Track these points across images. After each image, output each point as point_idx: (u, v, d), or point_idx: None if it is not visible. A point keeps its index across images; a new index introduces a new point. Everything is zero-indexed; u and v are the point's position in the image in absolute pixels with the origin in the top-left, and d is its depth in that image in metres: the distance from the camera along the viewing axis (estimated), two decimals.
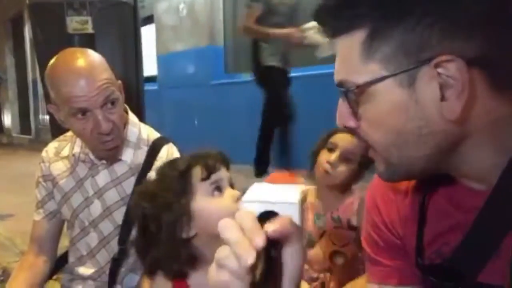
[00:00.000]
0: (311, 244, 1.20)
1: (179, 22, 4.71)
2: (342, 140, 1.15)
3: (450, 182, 0.56)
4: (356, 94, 0.51)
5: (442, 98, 0.47)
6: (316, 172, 1.20)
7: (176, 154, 1.09)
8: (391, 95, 0.49)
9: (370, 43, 0.49)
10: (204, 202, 0.78)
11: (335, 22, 0.52)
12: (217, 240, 0.40)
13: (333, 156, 1.15)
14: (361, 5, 0.49)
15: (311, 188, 1.23)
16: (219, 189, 0.79)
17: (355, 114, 0.52)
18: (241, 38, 4.32)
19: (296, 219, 0.41)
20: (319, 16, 0.54)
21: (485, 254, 0.51)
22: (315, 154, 1.20)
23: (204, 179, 0.78)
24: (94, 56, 0.99)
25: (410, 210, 0.60)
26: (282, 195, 0.43)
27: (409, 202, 0.60)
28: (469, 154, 0.51)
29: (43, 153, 1.14)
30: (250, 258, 0.36)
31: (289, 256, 0.40)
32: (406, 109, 0.49)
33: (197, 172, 0.79)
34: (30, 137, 8.76)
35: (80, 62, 0.94)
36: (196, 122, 4.63)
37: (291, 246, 0.40)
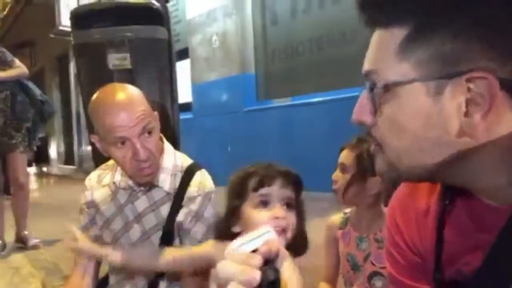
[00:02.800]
0: (356, 268, 1.19)
1: (212, 53, 4.90)
2: (341, 157, 1.17)
3: (469, 198, 0.54)
4: (381, 90, 0.50)
5: (466, 114, 0.46)
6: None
7: (208, 180, 1.14)
8: (416, 99, 0.48)
9: (407, 44, 0.48)
10: (249, 211, 0.85)
11: (378, 14, 0.51)
12: None
13: (334, 173, 1.17)
14: (407, 3, 0.49)
15: (352, 211, 1.23)
16: (265, 203, 0.83)
17: (375, 111, 0.52)
18: (272, 65, 4.44)
19: (276, 241, 0.45)
20: (365, 4, 0.53)
21: (508, 275, 0.50)
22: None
23: (254, 190, 0.84)
24: (132, 90, 1.07)
25: (430, 227, 0.59)
26: (254, 233, 0.46)
27: (429, 220, 0.60)
28: (484, 170, 0.49)
29: (86, 181, 1.22)
30: (257, 274, 0.39)
31: (286, 271, 0.43)
32: (428, 117, 0.48)
33: (252, 182, 0.85)
34: (74, 167, 9.18)
35: (121, 96, 1.03)
36: (229, 148, 4.72)
37: (283, 262, 0.43)
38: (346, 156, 1.15)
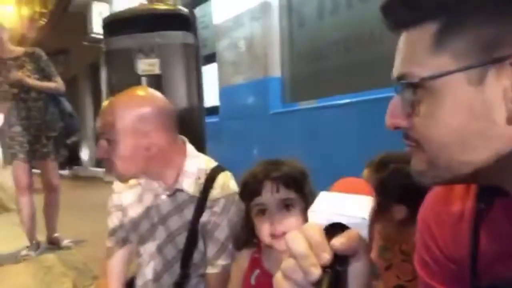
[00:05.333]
0: (375, 276, 1.16)
1: (239, 57, 4.93)
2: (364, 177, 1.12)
3: (507, 199, 0.51)
4: (417, 89, 0.48)
5: None
6: None
7: (232, 182, 1.15)
8: (457, 91, 0.46)
9: (442, 35, 0.47)
10: (254, 219, 0.86)
11: (406, 14, 0.50)
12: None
13: None
14: None
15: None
16: (262, 210, 0.83)
17: (411, 113, 0.49)
18: (298, 68, 4.42)
19: (365, 233, 0.40)
20: (390, 6, 0.51)
21: None
22: None
23: (249, 201, 0.85)
24: (147, 91, 1.14)
25: (464, 233, 0.57)
26: (350, 206, 0.41)
27: (464, 225, 0.57)
28: None
29: (114, 184, 1.25)
30: (315, 273, 0.36)
31: (355, 272, 0.39)
32: (471, 108, 0.45)
33: (245, 193, 0.88)
34: (104, 169, 9.43)
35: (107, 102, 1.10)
36: (255, 151, 4.73)
37: (357, 261, 0.39)
38: (369, 178, 1.07)
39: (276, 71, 4.63)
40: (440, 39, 0.47)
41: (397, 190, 1.01)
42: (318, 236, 0.38)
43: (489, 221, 0.54)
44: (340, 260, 0.39)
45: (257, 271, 0.94)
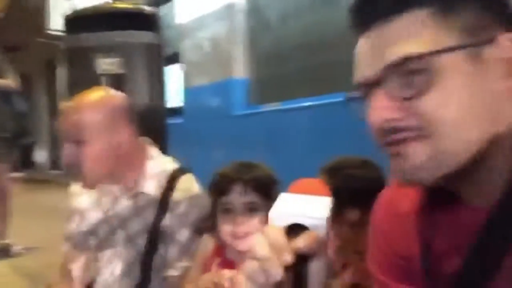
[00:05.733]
0: (333, 274, 1.19)
1: (203, 57, 4.90)
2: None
3: (452, 202, 0.55)
4: (417, 69, 0.48)
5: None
6: None
7: (194, 184, 1.14)
8: (458, 68, 0.48)
9: (441, 14, 0.49)
10: (218, 217, 0.86)
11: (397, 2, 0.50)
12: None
13: None
14: None
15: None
16: (227, 210, 0.84)
17: (408, 96, 0.49)
18: (263, 69, 4.45)
19: (323, 233, 0.42)
20: None
21: (487, 275, 0.51)
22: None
23: (218, 198, 0.86)
24: (92, 97, 1.10)
25: (413, 231, 0.59)
26: (309, 208, 0.43)
27: (411, 223, 0.60)
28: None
29: (72, 187, 1.21)
30: (277, 274, 0.38)
31: (315, 271, 0.42)
32: (473, 83, 0.48)
33: (215, 190, 0.89)
34: (61, 172, 9.07)
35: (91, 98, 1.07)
36: (219, 153, 4.71)
37: (316, 261, 0.42)
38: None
39: (240, 73, 4.64)
40: (434, 22, 0.49)
41: (350, 194, 1.04)
42: (280, 238, 0.40)
43: (436, 221, 0.57)
44: (300, 260, 0.41)
45: (219, 259, 0.95)
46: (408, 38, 0.49)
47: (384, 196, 0.66)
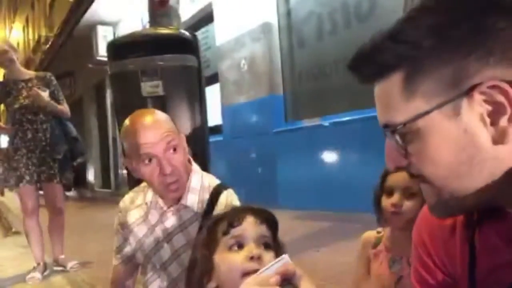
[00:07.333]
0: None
1: (241, 76, 5.01)
2: (397, 181, 1.15)
3: (500, 215, 0.54)
4: (402, 133, 0.51)
5: (492, 123, 0.47)
6: (385, 216, 1.18)
7: (235, 199, 1.18)
8: (438, 128, 0.49)
9: (410, 81, 0.50)
10: (222, 256, 0.74)
11: (371, 68, 0.53)
12: None
13: (396, 198, 1.13)
14: (395, 48, 0.50)
15: (386, 230, 1.21)
16: (239, 244, 0.74)
17: (404, 153, 0.53)
18: (299, 87, 4.48)
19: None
20: (355, 64, 0.55)
21: None
22: (377, 201, 1.19)
23: (224, 234, 0.76)
24: (158, 113, 1.18)
25: (458, 247, 0.59)
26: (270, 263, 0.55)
27: (456, 239, 0.59)
28: None
29: (120, 203, 1.28)
30: None
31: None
32: (455, 140, 0.49)
33: (222, 226, 0.77)
34: (110, 190, 9.46)
35: (146, 118, 1.14)
36: (259, 169, 4.75)
37: (302, 281, 0.49)
38: (411, 180, 1.09)
39: (278, 90, 4.70)
40: (408, 85, 0.50)
41: None
42: (263, 277, 0.50)
43: (482, 235, 0.56)
44: (288, 281, 0.51)
45: None
46: (386, 107, 0.53)
47: (427, 210, 0.64)
